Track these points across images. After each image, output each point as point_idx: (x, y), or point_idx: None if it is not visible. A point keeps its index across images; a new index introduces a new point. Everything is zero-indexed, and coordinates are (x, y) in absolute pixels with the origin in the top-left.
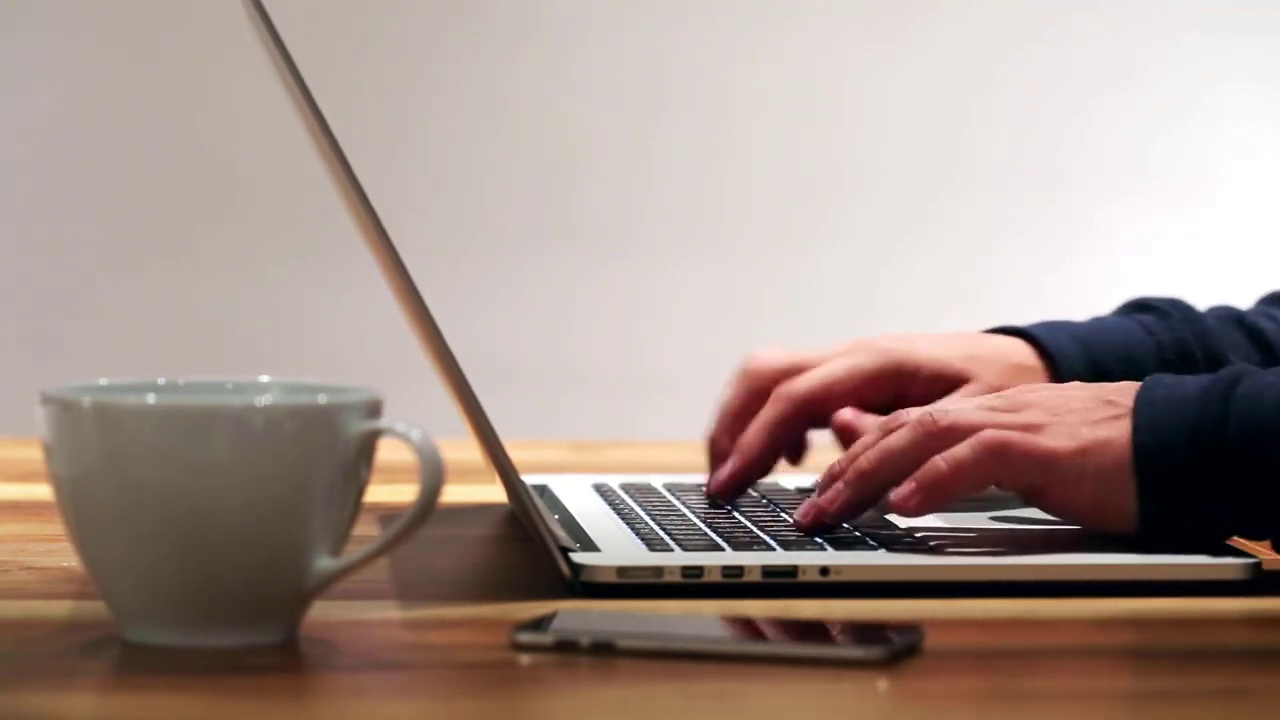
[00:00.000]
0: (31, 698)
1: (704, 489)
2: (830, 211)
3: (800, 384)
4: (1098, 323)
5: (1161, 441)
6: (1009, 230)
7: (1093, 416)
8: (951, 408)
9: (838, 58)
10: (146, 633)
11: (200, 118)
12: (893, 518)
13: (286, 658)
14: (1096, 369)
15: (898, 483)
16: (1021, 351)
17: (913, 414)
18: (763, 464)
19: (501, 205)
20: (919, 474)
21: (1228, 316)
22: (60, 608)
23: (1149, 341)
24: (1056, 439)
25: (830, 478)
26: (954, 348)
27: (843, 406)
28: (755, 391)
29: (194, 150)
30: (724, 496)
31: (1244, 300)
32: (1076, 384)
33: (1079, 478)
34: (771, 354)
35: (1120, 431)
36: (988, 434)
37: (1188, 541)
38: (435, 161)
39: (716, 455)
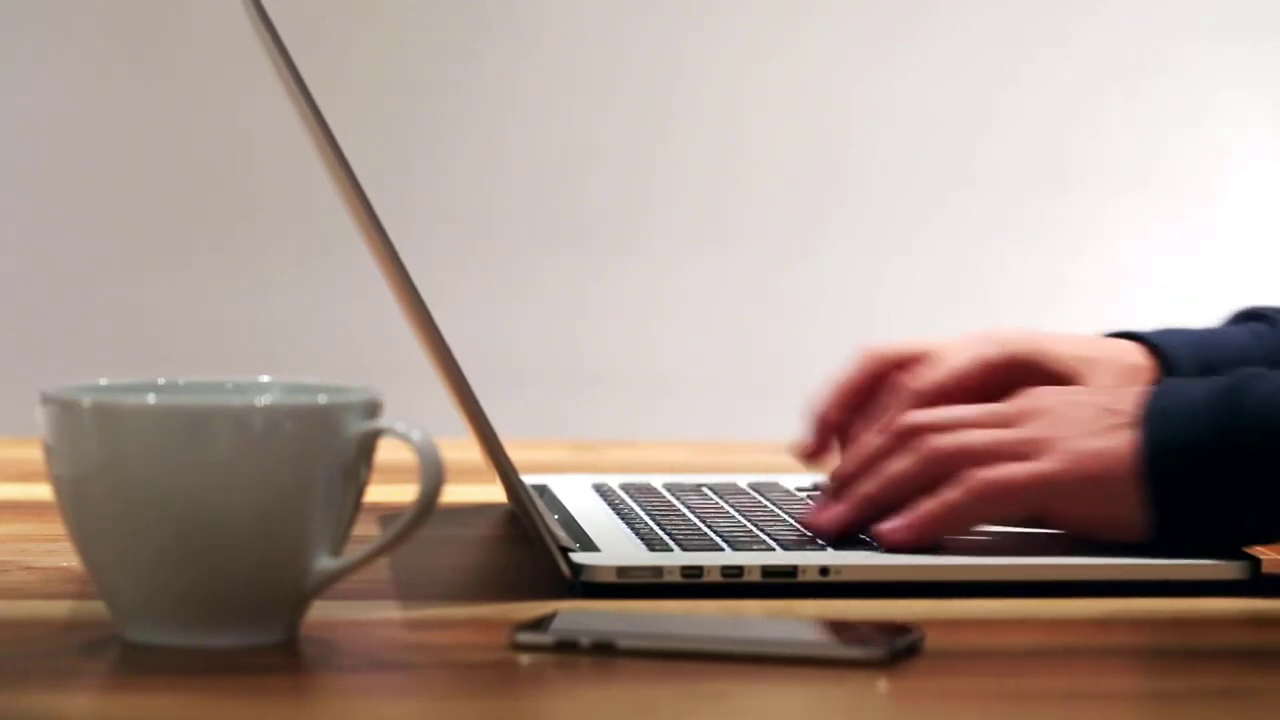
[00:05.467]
0: (31, 698)
1: (818, 487)
2: (837, 213)
3: (927, 377)
4: (1210, 330)
5: (1173, 452)
6: (1015, 233)
7: (1095, 426)
8: (952, 417)
9: (845, 58)
10: (146, 633)
11: (201, 119)
12: None
13: (286, 658)
14: (1207, 374)
15: (899, 506)
16: (1136, 354)
17: (907, 421)
18: None
19: (506, 206)
20: (914, 513)
21: None
22: (60, 608)
23: (1257, 349)
24: (1052, 460)
25: (838, 483)
26: (1073, 347)
27: (966, 401)
28: (874, 374)
29: (196, 151)
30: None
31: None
32: (1081, 389)
33: (1081, 495)
34: (892, 340)
35: (1122, 441)
36: (979, 478)
37: (1200, 548)
38: (440, 162)
39: (822, 430)
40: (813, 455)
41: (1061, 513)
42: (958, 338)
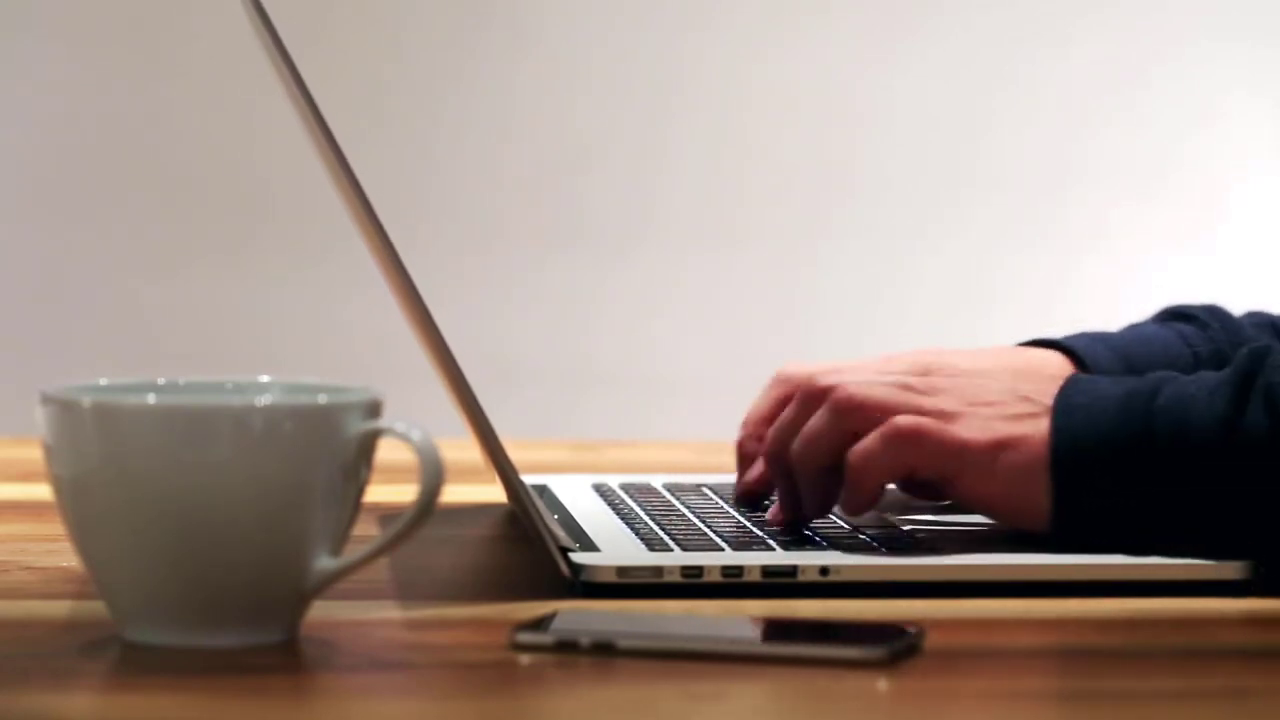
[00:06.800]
0: (31, 698)
1: (735, 492)
2: (841, 214)
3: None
4: (1135, 333)
5: (1080, 448)
6: (1021, 234)
7: (1008, 411)
8: (862, 380)
9: (851, 58)
10: (146, 633)
11: (201, 118)
12: (892, 517)
13: (286, 658)
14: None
15: (831, 460)
16: (1060, 365)
17: (815, 384)
18: None
19: (507, 206)
20: (847, 478)
21: (1265, 324)
22: (60, 608)
23: (1187, 354)
24: (969, 430)
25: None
26: (991, 361)
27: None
28: (788, 397)
29: (196, 151)
30: (755, 496)
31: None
32: (991, 370)
33: (990, 471)
34: (805, 363)
35: (1036, 430)
36: (900, 421)
37: (1098, 546)
38: (440, 162)
39: (745, 459)
40: (755, 491)
41: (970, 485)
42: (866, 358)
